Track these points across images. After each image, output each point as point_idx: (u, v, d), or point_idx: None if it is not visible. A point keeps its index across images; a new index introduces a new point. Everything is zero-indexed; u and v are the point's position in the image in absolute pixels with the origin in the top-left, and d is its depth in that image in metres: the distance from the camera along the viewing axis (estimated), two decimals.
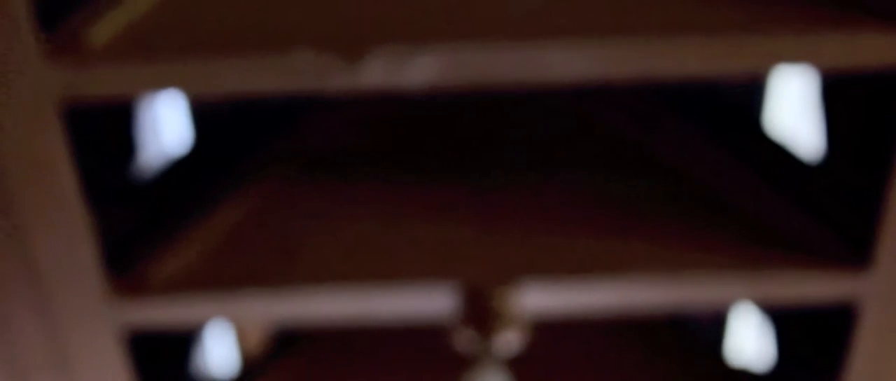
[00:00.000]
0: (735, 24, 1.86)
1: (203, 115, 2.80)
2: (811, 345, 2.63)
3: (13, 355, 2.33)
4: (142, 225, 2.33)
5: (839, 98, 2.37)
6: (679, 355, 2.81)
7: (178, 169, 2.53)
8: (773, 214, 2.33)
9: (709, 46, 1.87)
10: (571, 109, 2.56)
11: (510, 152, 2.51)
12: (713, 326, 3.84)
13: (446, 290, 2.27)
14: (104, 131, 2.45)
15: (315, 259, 2.31)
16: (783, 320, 2.72)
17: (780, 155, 2.47)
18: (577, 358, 2.86)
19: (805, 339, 2.66)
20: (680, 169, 2.45)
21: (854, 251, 2.19)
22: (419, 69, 1.96)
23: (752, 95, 3.13)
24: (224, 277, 2.27)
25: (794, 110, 3.36)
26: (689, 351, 2.82)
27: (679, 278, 2.21)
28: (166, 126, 3.26)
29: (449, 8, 1.96)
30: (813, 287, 2.21)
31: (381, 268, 2.30)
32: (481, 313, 2.26)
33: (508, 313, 2.24)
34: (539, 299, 2.28)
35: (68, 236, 2.12)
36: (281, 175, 2.46)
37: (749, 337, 4.19)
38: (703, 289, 2.22)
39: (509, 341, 2.25)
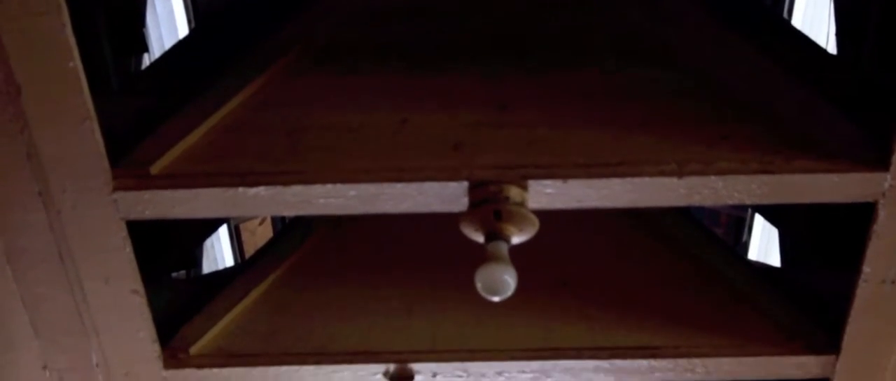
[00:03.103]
0: None
1: (207, 3, 2.74)
2: (827, 242, 2.61)
3: (16, 244, 2.31)
4: (145, 115, 2.29)
5: None
6: (691, 249, 2.80)
7: (182, 58, 2.49)
8: (794, 110, 2.28)
9: None
10: (590, 0, 2.51)
11: (524, 45, 2.46)
12: (730, 223, 3.83)
13: (454, 182, 2.25)
14: (108, 20, 2.40)
15: (321, 151, 2.28)
16: (800, 215, 2.70)
17: (802, 49, 2.42)
18: (585, 249, 2.85)
19: (821, 236, 2.64)
20: (700, 63, 2.40)
21: (874, 152, 2.16)
22: None
23: None
24: (227, 169, 2.24)
25: (817, 5, 3.31)
26: (701, 245, 2.80)
27: (693, 176, 2.19)
28: (170, 15, 3.21)
29: None
30: (832, 187, 2.18)
31: (388, 160, 2.27)
32: (489, 206, 2.23)
33: (516, 205, 2.22)
34: (547, 192, 2.26)
35: (72, 125, 2.08)
36: (287, 65, 2.42)
37: (765, 233, 4.15)
38: (718, 187, 2.19)
39: (517, 232, 2.23)
